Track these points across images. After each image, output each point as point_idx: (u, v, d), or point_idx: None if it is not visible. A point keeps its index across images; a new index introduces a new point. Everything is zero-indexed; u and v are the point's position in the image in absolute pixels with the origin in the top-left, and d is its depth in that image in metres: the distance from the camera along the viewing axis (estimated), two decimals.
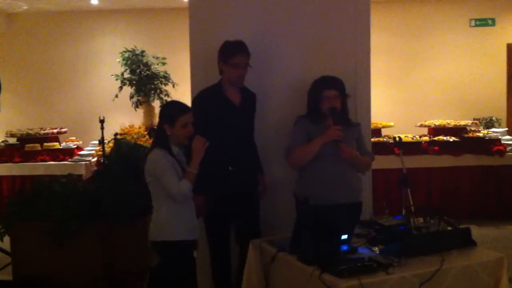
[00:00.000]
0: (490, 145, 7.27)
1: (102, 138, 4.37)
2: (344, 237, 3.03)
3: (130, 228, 4.40)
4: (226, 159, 3.79)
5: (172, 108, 3.46)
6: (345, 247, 3.00)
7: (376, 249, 3.02)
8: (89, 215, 4.44)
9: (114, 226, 4.30)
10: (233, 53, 3.76)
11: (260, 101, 4.06)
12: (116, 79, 8.38)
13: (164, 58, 8.55)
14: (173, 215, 3.34)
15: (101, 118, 4.26)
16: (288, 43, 4.30)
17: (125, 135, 7.48)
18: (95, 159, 7.51)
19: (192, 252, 3.52)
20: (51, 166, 7.50)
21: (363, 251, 3.02)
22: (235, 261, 3.94)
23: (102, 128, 4.30)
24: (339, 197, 3.52)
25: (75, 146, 7.98)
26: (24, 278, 4.46)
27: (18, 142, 7.96)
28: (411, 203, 3.26)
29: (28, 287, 4.44)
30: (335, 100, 3.67)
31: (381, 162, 6.44)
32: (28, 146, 7.73)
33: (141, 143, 6.67)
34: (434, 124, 7.81)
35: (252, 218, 3.94)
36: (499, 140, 7.41)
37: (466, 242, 3.11)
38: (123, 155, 4.67)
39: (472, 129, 7.81)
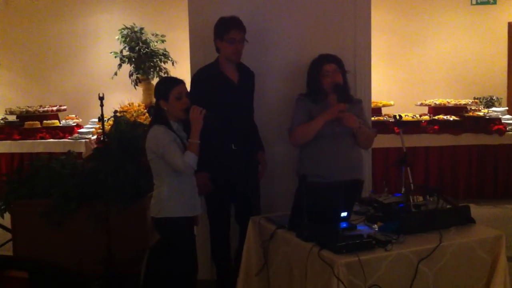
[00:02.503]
0: (490, 124, 7.27)
1: (102, 115, 4.33)
2: (344, 214, 3.05)
3: (129, 209, 4.41)
4: (228, 138, 3.78)
5: (164, 83, 3.46)
6: (344, 224, 3.02)
7: (375, 226, 3.04)
8: (88, 194, 4.45)
9: (114, 207, 4.30)
10: (228, 28, 3.72)
11: (259, 80, 4.04)
12: (115, 57, 8.33)
13: (163, 36, 8.49)
14: (174, 192, 3.35)
15: (101, 95, 4.23)
16: (287, 21, 4.28)
17: (125, 113, 7.47)
18: (94, 136, 7.51)
19: (192, 229, 3.54)
20: (50, 144, 7.51)
21: (362, 228, 3.03)
22: (236, 239, 3.96)
23: (102, 106, 4.27)
24: (341, 175, 3.51)
25: (74, 124, 7.98)
26: (25, 256, 4.48)
27: (17, 120, 7.96)
28: (411, 181, 3.26)
29: (29, 265, 4.46)
30: (336, 74, 3.67)
31: (381, 141, 6.45)
32: (28, 124, 7.73)
33: (141, 121, 6.66)
34: (434, 103, 7.81)
35: (252, 197, 3.95)
36: (499, 119, 7.41)
37: (465, 220, 3.12)
38: (122, 132, 4.66)
39: (473, 108, 7.80)
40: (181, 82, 3.39)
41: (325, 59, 3.72)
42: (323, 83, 3.68)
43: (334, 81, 3.65)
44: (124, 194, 4.38)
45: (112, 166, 4.43)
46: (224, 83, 3.80)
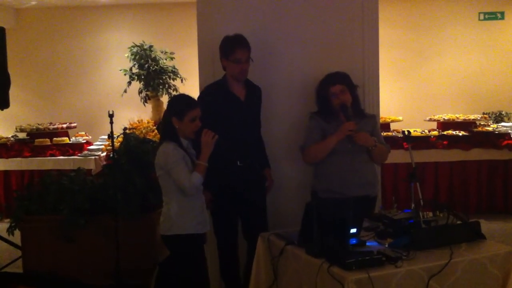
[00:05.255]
0: (500, 140, 7.23)
1: (112, 132, 4.36)
2: (353, 230, 3.03)
3: (138, 223, 4.44)
4: (234, 154, 3.79)
5: (181, 102, 3.47)
6: (353, 241, 3.01)
7: (385, 242, 3.02)
8: (97, 210, 4.48)
9: (123, 221, 4.32)
10: (232, 48, 3.74)
11: (266, 97, 4.05)
12: (125, 74, 8.39)
13: (172, 53, 8.56)
14: (184, 209, 3.35)
15: (110, 112, 4.26)
16: (295, 37, 4.29)
17: (134, 130, 7.50)
18: (104, 153, 7.54)
19: (202, 246, 3.53)
20: (60, 161, 7.54)
21: (372, 245, 3.02)
22: (244, 256, 3.95)
23: (112, 123, 4.30)
24: (355, 191, 3.53)
25: (84, 141, 8.01)
26: (34, 272, 4.51)
27: (27, 137, 8.01)
28: (420, 197, 3.24)
29: (38, 281, 4.49)
30: (343, 95, 3.68)
31: (390, 156, 6.37)
32: (38, 141, 7.77)
33: (150, 137, 6.69)
34: (443, 119, 7.78)
35: (258, 213, 3.94)
36: (509, 134, 7.37)
37: (476, 236, 3.10)
38: (132, 149, 4.69)
39: (482, 123, 7.77)
40: (197, 105, 3.43)
41: (331, 81, 3.72)
42: (332, 104, 3.70)
43: (340, 102, 3.66)
44: (133, 208, 4.41)
45: (121, 181, 4.45)
46: (230, 100, 3.82)
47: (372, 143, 3.64)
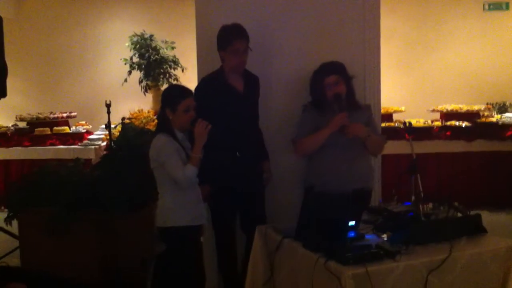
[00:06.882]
0: (503, 131, 7.16)
1: (109, 122, 4.34)
2: (352, 223, 2.98)
3: (133, 217, 4.37)
4: (232, 146, 3.74)
5: (173, 93, 3.41)
6: (352, 234, 2.95)
7: (384, 236, 2.97)
8: (94, 202, 4.42)
9: (120, 213, 4.26)
10: (231, 39, 3.65)
11: (265, 88, 3.99)
12: (125, 64, 8.34)
13: (173, 42, 8.50)
14: (179, 201, 3.31)
15: (108, 102, 4.22)
16: (295, 28, 4.23)
17: (134, 120, 7.46)
18: (104, 143, 7.51)
19: (198, 238, 3.50)
20: (60, 150, 7.51)
21: (371, 238, 2.96)
22: (242, 249, 3.91)
23: (109, 112, 4.27)
24: (349, 184, 3.42)
25: (84, 130, 7.97)
26: (30, 267, 4.45)
27: (28, 126, 7.97)
28: (421, 189, 3.19)
29: (28, 277, 4.43)
30: (337, 86, 3.60)
31: (392, 147, 6.34)
32: (38, 130, 7.73)
33: (150, 127, 6.65)
34: (447, 109, 7.72)
35: (257, 206, 3.90)
36: None
37: (476, 229, 3.04)
38: (129, 140, 4.64)
39: (485, 114, 7.69)
40: (190, 95, 3.36)
41: (326, 71, 3.64)
42: (326, 95, 3.62)
43: (334, 93, 3.59)
44: (131, 202, 4.35)
45: (119, 173, 4.40)
46: (228, 91, 3.76)
47: (365, 133, 3.56)
